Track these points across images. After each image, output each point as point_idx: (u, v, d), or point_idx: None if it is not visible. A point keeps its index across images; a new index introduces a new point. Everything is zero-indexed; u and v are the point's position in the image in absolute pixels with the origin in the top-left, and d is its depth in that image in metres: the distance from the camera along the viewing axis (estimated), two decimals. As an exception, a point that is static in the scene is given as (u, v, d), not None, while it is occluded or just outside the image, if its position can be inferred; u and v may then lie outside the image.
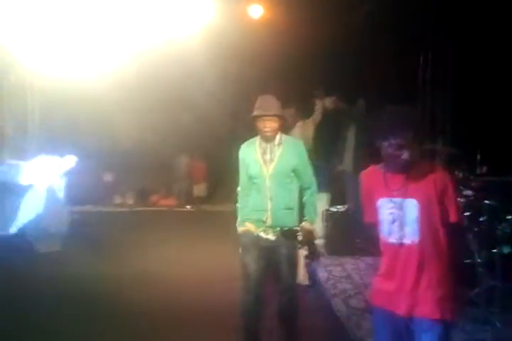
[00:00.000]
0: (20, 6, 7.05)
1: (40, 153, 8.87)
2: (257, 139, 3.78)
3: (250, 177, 3.76)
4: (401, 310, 2.43)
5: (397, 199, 2.45)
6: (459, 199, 4.13)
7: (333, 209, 6.75)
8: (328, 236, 6.67)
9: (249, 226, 3.75)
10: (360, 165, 6.76)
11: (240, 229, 3.83)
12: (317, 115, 6.49)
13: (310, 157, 6.16)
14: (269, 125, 3.64)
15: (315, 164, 6.21)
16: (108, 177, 11.14)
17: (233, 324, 3.81)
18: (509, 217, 4.48)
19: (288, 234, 3.71)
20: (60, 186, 6.62)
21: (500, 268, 4.19)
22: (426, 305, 2.39)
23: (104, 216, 9.50)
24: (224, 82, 8.47)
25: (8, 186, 6.07)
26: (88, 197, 10.32)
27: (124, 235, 7.65)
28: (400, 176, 2.46)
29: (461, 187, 4.83)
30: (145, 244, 7.08)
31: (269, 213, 3.67)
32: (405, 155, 2.38)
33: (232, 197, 4.38)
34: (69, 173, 6.74)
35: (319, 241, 6.70)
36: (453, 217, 2.45)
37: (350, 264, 6.00)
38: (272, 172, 3.67)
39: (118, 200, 10.74)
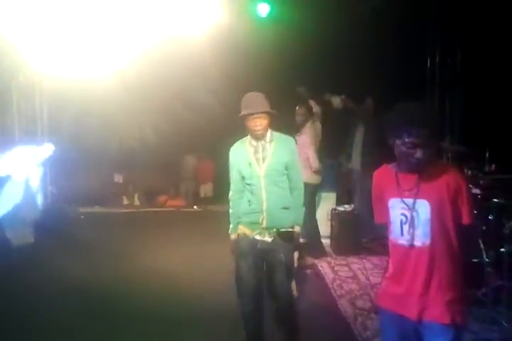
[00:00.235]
0: (29, 7, 7.08)
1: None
2: (247, 139, 3.67)
3: (243, 179, 3.65)
4: (411, 313, 2.37)
5: (409, 200, 2.39)
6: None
7: (340, 208, 6.70)
8: (335, 236, 6.62)
9: (244, 229, 3.66)
10: (368, 164, 6.76)
11: (233, 235, 3.73)
12: (315, 119, 6.40)
13: (320, 156, 6.19)
14: (260, 122, 3.53)
15: (324, 163, 6.27)
16: (116, 178, 11.17)
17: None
18: (517, 216, 4.41)
19: (285, 236, 3.62)
20: (36, 176, 6.55)
21: (507, 267, 4.11)
22: (436, 309, 2.34)
23: (112, 216, 9.51)
24: (231, 81, 8.45)
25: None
26: (96, 198, 10.36)
27: (131, 235, 7.65)
28: (413, 176, 2.40)
29: (470, 186, 4.76)
30: (152, 244, 7.08)
31: (264, 214, 3.57)
32: (419, 154, 2.31)
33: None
34: (46, 162, 6.67)
35: (324, 241, 6.69)
36: (466, 219, 2.39)
37: (357, 264, 5.94)
38: (266, 171, 3.57)
39: (126, 201, 10.76)
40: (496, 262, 4.26)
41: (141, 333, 4.30)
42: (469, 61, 7.42)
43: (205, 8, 7.76)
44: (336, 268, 5.86)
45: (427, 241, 2.36)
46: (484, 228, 4.48)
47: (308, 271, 5.94)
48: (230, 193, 3.78)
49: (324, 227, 6.78)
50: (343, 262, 6.05)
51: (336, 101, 6.70)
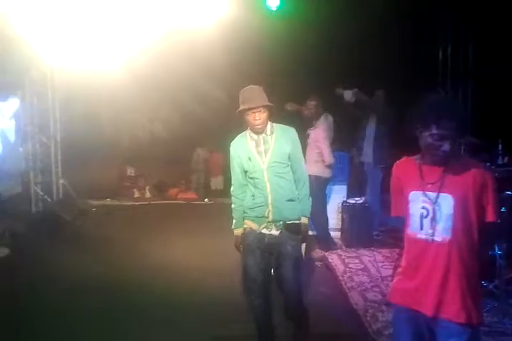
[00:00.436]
0: (40, 1, 7.10)
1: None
2: (247, 133, 3.62)
3: (246, 173, 3.61)
4: (426, 309, 2.33)
5: (432, 194, 2.33)
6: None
7: (351, 200, 6.67)
8: (345, 228, 6.61)
9: (250, 224, 3.64)
10: (379, 156, 6.74)
11: (238, 230, 3.70)
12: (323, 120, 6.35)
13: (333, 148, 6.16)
14: (259, 116, 3.48)
15: (336, 155, 6.25)
16: (127, 171, 11.20)
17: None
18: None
19: (292, 228, 3.58)
20: (10, 128, 6.56)
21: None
22: (453, 307, 2.29)
23: (123, 209, 9.55)
24: (241, 74, 8.42)
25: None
26: (107, 190, 10.42)
27: (142, 228, 7.69)
28: (437, 169, 2.34)
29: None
30: (163, 237, 7.10)
31: (270, 207, 3.54)
32: (446, 146, 2.26)
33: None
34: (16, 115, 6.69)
35: (334, 234, 6.68)
36: (490, 217, 2.33)
37: (367, 256, 5.91)
38: (269, 163, 3.53)
39: (137, 194, 10.79)
40: (509, 254, 4.24)
41: (150, 323, 4.33)
42: (481, 52, 7.35)
43: (215, 1, 7.74)
44: (346, 260, 5.85)
45: (448, 237, 2.31)
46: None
47: (319, 263, 5.95)
48: (232, 188, 3.76)
49: (335, 220, 6.78)
50: (354, 254, 6.02)
51: (349, 94, 6.66)
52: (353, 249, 6.20)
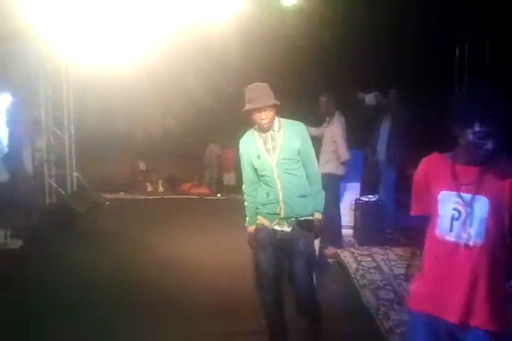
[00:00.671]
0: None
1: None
2: (255, 129, 3.57)
3: (256, 171, 3.58)
4: (452, 316, 2.20)
5: (466, 195, 2.20)
6: None
7: (364, 198, 6.65)
8: (358, 226, 6.59)
9: (263, 220, 3.62)
10: (393, 156, 6.70)
11: (251, 227, 3.69)
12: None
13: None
14: (265, 115, 3.41)
15: (350, 153, 6.22)
16: (140, 165, 11.26)
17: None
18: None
19: (304, 224, 3.55)
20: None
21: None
22: (483, 314, 2.18)
23: (136, 203, 9.61)
24: (255, 69, 8.41)
25: None
26: (120, 184, 10.48)
27: (155, 222, 7.73)
28: (474, 169, 2.21)
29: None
30: (175, 231, 7.13)
31: (281, 204, 3.50)
32: (489, 145, 2.13)
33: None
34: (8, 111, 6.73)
35: (347, 231, 6.67)
36: None
37: (380, 255, 5.88)
38: (278, 160, 3.48)
39: (150, 188, 10.85)
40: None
41: (160, 319, 4.34)
42: (498, 50, 7.26)
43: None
44: (359, 258, 5.82)
45: (479, 241, 2.19)
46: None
47: (331, 261, 5.94)
48: (243, 186, 3.74)
49: (348, 217, 6.76)
50: (366, 252, 5.99)
51: (370, 98, 6.64)
52: (365, 247, 6.17)
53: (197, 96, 10.12)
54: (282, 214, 3.53)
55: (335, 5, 8.36)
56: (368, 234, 6.38)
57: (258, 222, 3.66)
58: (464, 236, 2.22)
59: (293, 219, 3.55)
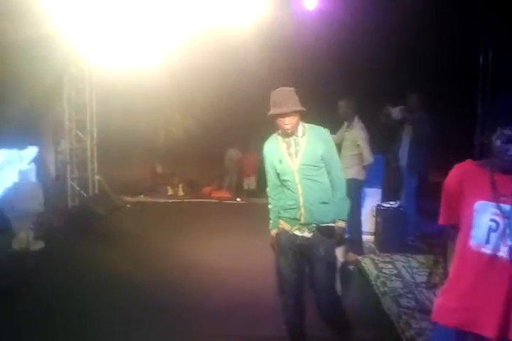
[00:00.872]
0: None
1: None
2: (279, 134, 3.57)
3: (278, 175, 3.58)
4: (488, 330, 2.13)
5: (506, 207, 2.11)
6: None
7: (386, 204, 6.58)
8: (379, 233, 6.52)
9: (284, 225, 3.62)
10: (414, 164, 6.62)
11: (273, 231, 3.69)
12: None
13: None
14: (289, 121, 3.41)
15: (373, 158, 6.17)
16: (161, 169, 11.33)
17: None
18: None
19: (325, 231, 3.52)
20: (30, 172, 6.73)
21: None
22: None
23: (156, 206, 9.66)
24: (276, 73, 8.41)
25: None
26: (142, 187, 10.55)
27: (175, 225, 7.77)
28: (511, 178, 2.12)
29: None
30: (195, 235, 7.15)
31: (302, 210, 3.49)
32: None
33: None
34: (35, 161, 6.85)
35: (368, 237, 6.60)
36: None
37: (401, 262, 5.81)
38: (299, 165, 3.47)
39: (170, 191, 10.90)
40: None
41: (179, 323, 4.35)
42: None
43: (252, 0, 7.73)
44: (379, 265, 5.76)
45: None
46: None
47: (351, 267, 5.88)
48: (268, 189, 3.74)
49: (369, 223, 6.70)
50: (388, 259, 5.93)
51: (396, 112, 6.60)
52: (386, 254, 6.10)
53: (218, 99, 10.16)
54: (302, 220, 3.52)
55: (356, 9, 8.33)
56: (389, 241, 6.31)
57: (280, 225, 3.65)
58: (503, 248, 2.14)
59: (313, 225, 3.53)
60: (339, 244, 3.69)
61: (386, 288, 5.09)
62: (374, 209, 6.70)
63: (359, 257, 6.02)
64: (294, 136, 3.50)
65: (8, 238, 6.31)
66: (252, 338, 4.11)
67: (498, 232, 2.14)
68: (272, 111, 3.44)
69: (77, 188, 9.16)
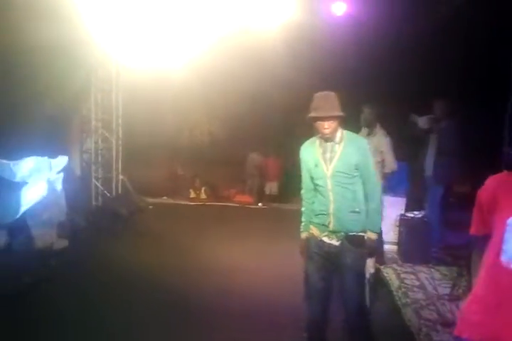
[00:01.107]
0: (106, 2, 7.29)
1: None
2: (317, 138, 3.57)
3: (312, 179, 3.57)
4: None
5: None
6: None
7: (409, 214, 6.50)
8: (402, 243, 6.43)
9: (314, 230, 3.60)
10: (439, 174, 6.53)
11: (303, 234, 3.67)
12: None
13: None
14: (328, 126, 3.42)
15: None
16: (184, 171, 11.38)
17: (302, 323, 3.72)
18: None
19: (353, 240, 3.48)
20: (57, 182, 6.78)
21: None
22: None
23: (178, 208, 9.71)
24: (302, 78, 8.39)
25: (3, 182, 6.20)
26: (164, 188, 10.61)
27: (197, 227, 7.79)
28: None
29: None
30: (216, 238, 7.16)
31: (331, 217, 3.47)
32: None
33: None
34: (64, 170, 6.91)
35: (391, 247, 6.51)
36: None
37: (424, 273, 5.73)
38: (333, 172, 3.45)
39: (192, 194, 10.94)
40: None
41: (200, 326, 4.35)
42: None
43: (280, 5, 7.73)
44: (402, 275, 5.69)
45: None
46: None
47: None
48: (302, 191, 3.73)
49: (392, 233, 6.62)
50: (410, 270, 5.86)
51: (423, 121, 6.52)
52: (409, 264, 6.03)
53: (242, 103, 10.16)
54: (331, 227, 3.50)
55: (385, 14, 8.26)
56: (412, 251, 6.22)
57: (310, 231, 3.64)
58: None
59: (342, 233, 3.50)
60: (370, 255, 3.64)
61: (408, 299, 5.02)
62: (397, 218, 6.62)
63: (381, 267, 5.94)
64: (332, 142, 3.50)
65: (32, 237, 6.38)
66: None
67: None
68: (312, 114, 3.46)
69: (101, 188, 9.24)
